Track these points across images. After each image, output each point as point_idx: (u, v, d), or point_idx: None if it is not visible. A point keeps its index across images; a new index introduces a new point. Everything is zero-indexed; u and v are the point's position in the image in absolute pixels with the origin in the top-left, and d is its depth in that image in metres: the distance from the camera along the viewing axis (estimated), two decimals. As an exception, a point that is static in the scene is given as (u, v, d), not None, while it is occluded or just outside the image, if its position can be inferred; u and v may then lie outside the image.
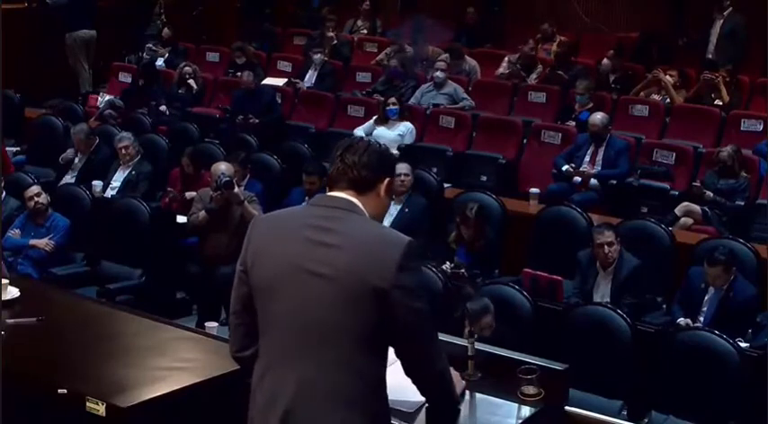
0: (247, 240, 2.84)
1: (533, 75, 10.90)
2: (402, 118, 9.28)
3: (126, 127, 9.38)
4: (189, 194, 7.82)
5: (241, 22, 13.84)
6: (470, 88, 10.58)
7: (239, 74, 10.76)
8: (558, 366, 3.44)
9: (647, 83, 10.02)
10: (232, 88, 10.72)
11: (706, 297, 6.10)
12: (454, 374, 3.10)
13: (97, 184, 8.24)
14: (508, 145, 9.21)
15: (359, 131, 9.03)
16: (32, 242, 7.08)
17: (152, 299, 6.56)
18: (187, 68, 11.14)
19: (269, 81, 11.09)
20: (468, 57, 11.24)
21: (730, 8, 10.70)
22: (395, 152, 8.54)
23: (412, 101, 10.17)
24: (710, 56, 10.61)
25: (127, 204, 7.42)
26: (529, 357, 3.48)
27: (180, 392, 3.33)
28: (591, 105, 9.33)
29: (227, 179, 6.95)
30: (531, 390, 3.27)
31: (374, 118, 9.38)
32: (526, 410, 3.25)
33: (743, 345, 5.50)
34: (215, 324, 5.41)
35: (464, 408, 3.19)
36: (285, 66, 11.81)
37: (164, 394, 3.29)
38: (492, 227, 7.07)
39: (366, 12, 13.22)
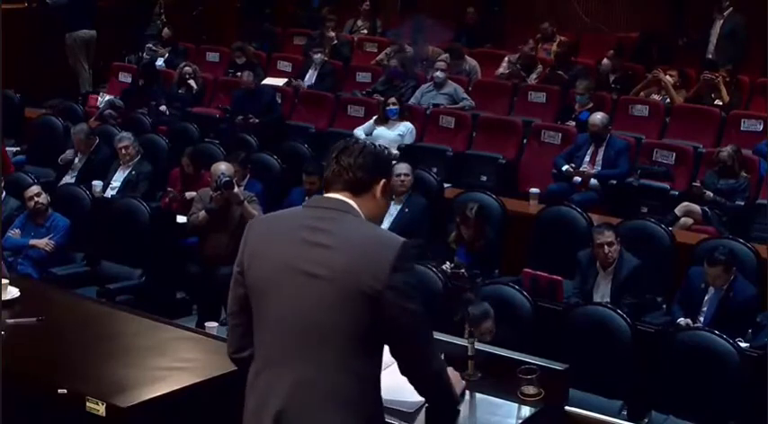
0: (244, 241, 2.85)
1: (533, 75, 10.90)
2: (402, 118, 9.28)
3: (126, 127, 9.38)
4: (189, 194, 7.82)
5: (241, 22, 13.83)
6: (470, 88, 10.57)
7: (239, 74, 10.75)
8: (558, 366, 3.44)
9: (647, 83, 10.02)
10: (232, 88, 10.72)
11: (706, 297, 6.10)
12: (454, 374, 3.10)
13: (97, 184, 8.24)
14: (508, 145, 9.21)
15: (359, 131, 9.04)
16: (32, 242, 7.08)
17: (152, 299, 6.56)
18: (187, 68, 11.14)
19: (269, 81, 11.08)
20: (468, 57, 11.24)
21: (730, 8, 10.69)
22: (395, 152, 8.55)
23: (412, 101, 10.17)
24: (710, 56, 10.60)
25: (127, 204, 7.42)
26: (529, 357, 3.48)
27: (180, 392, 3.33)
28: (591, 105, 9.33)
29: (227, 179, 6.94)
30: (531, 390, 3.27)
31: (374, 118, 9.37)
32: (526, 410, 3.25)
33: (743, 345, 5.49)
34: (215, 324, 5.40)
35: (464, 408, 3.19)
36: (285, 66, 11.80)
37: (164, 394, 3.29)
38: (492, 227, 7.07)
39: (366, 12, 13.22)
